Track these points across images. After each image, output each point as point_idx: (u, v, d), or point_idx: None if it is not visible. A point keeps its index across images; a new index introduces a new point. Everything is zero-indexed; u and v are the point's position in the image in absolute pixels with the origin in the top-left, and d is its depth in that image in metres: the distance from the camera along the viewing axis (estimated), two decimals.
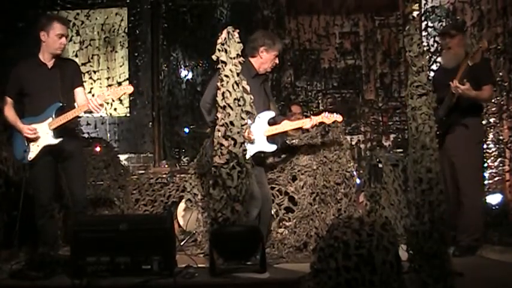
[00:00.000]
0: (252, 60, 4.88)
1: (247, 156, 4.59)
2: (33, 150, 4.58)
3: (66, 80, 4.66)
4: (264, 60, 4.86)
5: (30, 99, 4.68)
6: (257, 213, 4.74)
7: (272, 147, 4.90)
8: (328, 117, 4.98)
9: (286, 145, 5.36)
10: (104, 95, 4.47)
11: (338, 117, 5.00)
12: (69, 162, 4.69)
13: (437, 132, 4.72)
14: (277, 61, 4.94)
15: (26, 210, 4.66)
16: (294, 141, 5.41)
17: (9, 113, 4.70)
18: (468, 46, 4.78)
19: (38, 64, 4.67)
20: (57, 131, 4.55)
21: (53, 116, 4.55)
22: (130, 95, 7.71)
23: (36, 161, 4.61)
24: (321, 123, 5.04)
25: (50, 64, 4.68)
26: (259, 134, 4.82)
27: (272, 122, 4.91)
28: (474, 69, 4.60)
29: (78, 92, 4.71)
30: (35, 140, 4.57)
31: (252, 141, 4.76)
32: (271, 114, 4.92)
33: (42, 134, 4.56)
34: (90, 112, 4.70)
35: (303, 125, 4.97)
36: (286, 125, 4.94)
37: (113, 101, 4.50)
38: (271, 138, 4.89)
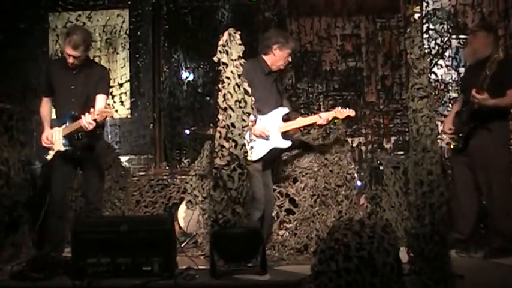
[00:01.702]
0: (265, 57, 4.96)
1: (264, 153, 4.64)
2: (51, 153, 4.72)
3: (90, 86, 4.67)
4: (277, 58, 4.94)
5: (57, 101, 4.78)
6: (260, 215, 4.76)
7: (287, 143, 4.94)
8: (341, 112, 5.02)
9: (300, 141, 5.37)
10: (93, 114, 4.42)
11: (351, 112, 5.05)
12: (86, 166, 4.79)
13: (460, 135, 4.75)
14: (290, 59, 5.03)
15: (28, 211, 4.69)
16: (306, 137, 5.42)
17: (43, 112, 4.82)
18: (496, 48, 4.77)
19: (65, 66, 4.69)
20: (68, 139, 4.62)
21: (67, 123, 4.62)
22: (131, 96, 7.76)
23: (53, 163, 4.73)
24: (334, 118, 5.06)
25: (76, 68, 4.69)
26: (274, 130, 4.87)
27: (286, 119, 4.96)
28: (498, 73, 4.49)
29: (98, 99, 4.65)
30: (51, 145, 4.69)
31: (267, 138, 4.79)
32: (285, 110, 4.98)
33: (57, 139, 4.66)
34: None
35: (317, 121, 5.01)
36: (300, 121, 5.03)
37: (97, 120, 4.43)
38: (285, 135, 4.92)
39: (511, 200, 4.76)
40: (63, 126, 4.64)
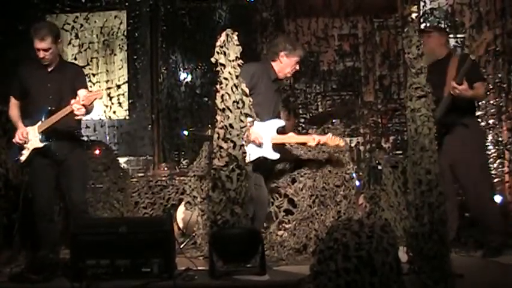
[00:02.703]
0: (273, 64, 4.94)
1: (251, 159, 4.62)
2: (25, 153, 4.64)
3: (66, 84, 4.66)
4: (284, 65, 4.91)
5: (29, 101, 4.73)
6: (251, 215, 4.74)
7: (275, 156, 4.88)
8: (332, 140, 4.98)
9: (292, 156, 5.34)
10: (80, 99, 4.40)
11: (341, 142, 5.03)
12: (67, 165, 4.69)
13: (435, 134, 4.74)
14: (297, 67, 5.01)
15: (26, 213, 4.68)
16: (302, 153, 5.40)
17: (12, 112, 4.80)
18: (448, 47, 4.89)
19: (38, 67, 4.69)
20: (46, 135, 4.58)
21: (42, 119, 4.58)
22: (129, 97, 7.76)
23: (32, 164, 4.66)
24: (324, 143, 5.04)
25: (50, 67, 4.70)
26: (267, 139, 4.83)
27: (280, 131, 4.94)
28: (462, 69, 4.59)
29: (80, 93, 4.60)
30: (26, 143, 4.62)
31: (259, 145, 4.79)
32: (281, 123, 4.96)
33: (33, 137, 4.61)
34: (86, 115, 4.64)
35: (308, 142, 4.99)
36: (292, 138, 5.03)
37: (85, 105, 4.41)
38: (275, 146, 4.89)
39: (490, 194, 4.88)
40: (38, 123, 4.59)
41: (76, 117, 4.51)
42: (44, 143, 4.59)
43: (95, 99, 4.48)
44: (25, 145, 4.63)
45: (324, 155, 5.29)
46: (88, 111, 4.53)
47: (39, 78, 4.68)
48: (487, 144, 6.49)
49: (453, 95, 4.62)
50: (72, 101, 4.40)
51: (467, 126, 4.76)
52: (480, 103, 6.57)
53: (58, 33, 4.72)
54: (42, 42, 4.56)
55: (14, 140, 4.66)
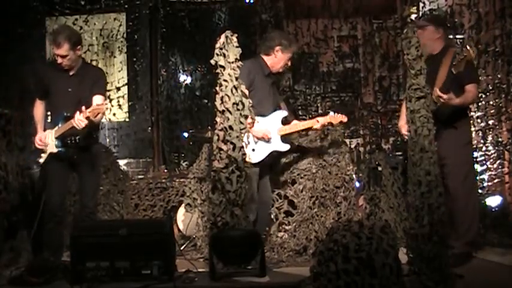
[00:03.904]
0: (266, 58, 4.93)
1: (264, 156, 4.68)
2: (43, 156, 4.70)
3: (84, 88, 4.65)
4: (278, 60, 4.92)
5: (50, 103, 4.77)
6: (254, 217, 4.76)
7: (286, 147, 4.94)
8: (335, 118, 5.03)
9: (297, 145, 5.38)
10: (86, 111, 4.37)
11: (344, 118, 5.05)
12: (81, 170, 4.74)
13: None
14: (289, 63, 5.03)
15: (27, 215, 4.69)
16: (304, 139, 5.43)
17: (36, 113, 4.82)
18: (447, 40, 4.66)
19: (60, 69, 4.68)
20: (61, 140, 4.59)
21: (59, 125, 4.60)
22: (129, 99, 7.76)
23: (47, 166, 4.70)
24: (329, 123, 5.07)
25: (71, 71, 4.69)
26: (274, 133, 4.86)
27: (285, 122, 4.97)
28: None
29: (95, 100, 4.62)
30: (44, 147, 4.67)
31: (268, 140, 4.81)
32: (284, 113, 4.99)
33: (50, 141, 4.65)
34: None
35: (313, 125, 5.01)
36: (298, 125, 5.03)
37: (90, 117, 4.43)
38: (284, 138, 4.93)
39: (472, 199, 4.70)
40: (56, 127, 4.61)
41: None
42: (59, 149, 4.62)
43: (99, 113, 4.46)
44: (45, 147, 4.68)
45: (324, 142, 5.34)
46: (95, 122, 4.55)
47: (60, 82, 4.68)
48: (485, 147, 6.49)
49: (436, 103, 4.39)
50: (77, 113, 4.38)
51: (457, 128, 4.61)
52: (480, 104, 6.57)
53: (77, 40, 4.68)
54: (59, 49, 4.55)
55: (35, 144, 4.72)
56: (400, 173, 5.41)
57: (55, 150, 4.62)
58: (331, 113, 5.10)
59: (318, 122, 4.99)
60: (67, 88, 4.66)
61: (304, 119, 6.53)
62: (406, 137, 4.65)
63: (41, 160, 4.72)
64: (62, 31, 4.66)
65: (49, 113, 4.84)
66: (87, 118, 4.35)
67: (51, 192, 4.68)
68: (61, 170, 4.70)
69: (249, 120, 4.42)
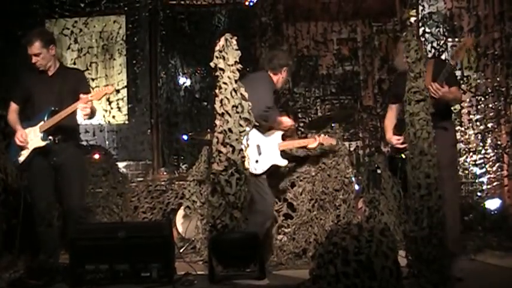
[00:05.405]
0: (273, 76, 5.04)
1: (266, 168, 4.78)
2: (24, 154, 4.65)
3: (67, 88, 4.68)
4: (282, 79, 5.10)
5: (31, 105, 4.77)
6: (270, 223, 4.88)
7: (284, 162, 5.00)
8: (325, 140, 5.16)
9: (293, 155, 5.38)
10: (88, 96, 4.47)
11: (333, 141, 5.21)
12: (64, 170, 4.67)
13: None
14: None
15: (25, 217, 4.67)
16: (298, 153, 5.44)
17: (11, 117, 4.82)
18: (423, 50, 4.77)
19: (39, 72, 4.72)
20: (48, 133, 4.58)
21: (45, 119, 4.59)
22: (128, 102, 7.75)
23: (31, 168, 4.66)
24: (320, 144, 5.17)
25: (50, 72, 4.74)
26: (274, 147, 4.93)
27: (284, 136, 5.06)
28: (437, 74, 4.51)
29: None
30: (26, 144, 4.63)
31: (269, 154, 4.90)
32: (281, 133, 5.05)
33: (34, 137, 4.62)
34: (90, 118, 4.68)
35: (309, 144, 5.13)
36: (297, 142, 5.20)
37: (94, 100, 4.51)
38: (283, 152, 5.00)
39: (456, 199, 4.78)
40: (40, 123, 4.59)
41: (84, 117, 4.55)
42: (46, 142, 4.58)
43: (105, 94, 4.55)
44: (25, 146, 4.63)
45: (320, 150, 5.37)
46: (92, 113, 4.59)
47: (40, 83, 4.72)
48: (484, 150, 6.52)
49: (434, 98, 4.44)
50: (81, 96, 4.46)
51: (447, 129, 4.68)
52: (479, 106, 6.59)
53: (50, 39, 4.75)
54: (31, 47, 4.62)
55: (16, 142, 4.65)
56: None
57: (42, 143, 4.58)
58: (322, 135, 5.22)
59: (315, 140, 5.11)
60: (48, 88, 4.68)
61: (304, 122, 6.56)
62: (400, 146, 4.70)
63: (21, 158, 4.65)
64: (34, 31, 4.78)
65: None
66: (89, 104, 4.46)
67: (37, 196, 4.65)
68: (45, 170, 4.65)
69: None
